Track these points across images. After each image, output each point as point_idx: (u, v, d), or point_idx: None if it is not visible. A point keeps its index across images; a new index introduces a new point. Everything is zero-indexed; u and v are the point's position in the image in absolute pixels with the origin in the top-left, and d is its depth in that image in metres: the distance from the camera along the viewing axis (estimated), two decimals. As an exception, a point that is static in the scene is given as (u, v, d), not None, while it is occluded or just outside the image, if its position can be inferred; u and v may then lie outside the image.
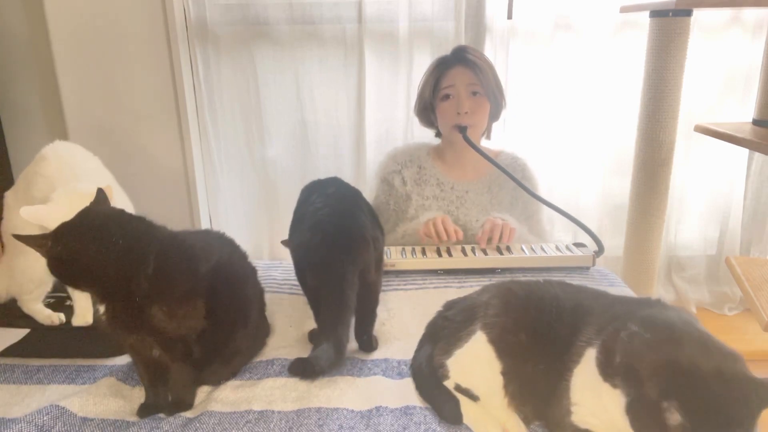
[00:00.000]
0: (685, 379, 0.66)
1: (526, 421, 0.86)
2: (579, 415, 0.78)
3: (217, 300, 0.93)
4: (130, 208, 1.34)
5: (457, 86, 1.59)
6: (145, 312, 0.85)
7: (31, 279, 1.20)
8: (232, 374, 1.01)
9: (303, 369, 0.91)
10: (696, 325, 0.78)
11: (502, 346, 0.87)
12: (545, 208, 1.64)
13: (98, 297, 0.86)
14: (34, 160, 1.22)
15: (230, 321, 0.97)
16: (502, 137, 2.11)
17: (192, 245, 0.93)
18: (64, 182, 1.15)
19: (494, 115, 1.69)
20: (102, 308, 0.86)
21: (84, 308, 1.20)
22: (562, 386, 0.81)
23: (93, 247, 0.82)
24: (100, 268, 0.82)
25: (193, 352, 0.92)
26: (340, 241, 1.00)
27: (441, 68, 1.62)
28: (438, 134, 1.75)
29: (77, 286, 0.87)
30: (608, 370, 0.73)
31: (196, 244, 0.94)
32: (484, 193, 1.68)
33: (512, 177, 1.57)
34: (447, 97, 1.61)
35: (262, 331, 1.12)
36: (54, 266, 0.83)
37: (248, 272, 1.07)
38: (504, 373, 0.86)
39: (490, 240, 1.50)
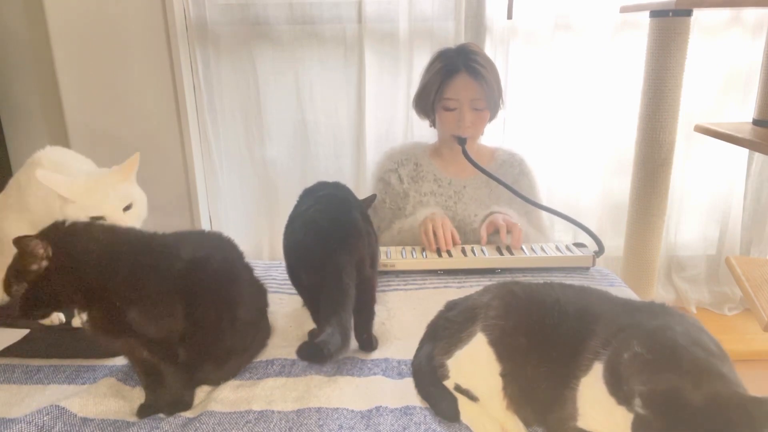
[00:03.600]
0: (673, 408, 0.65)
1: (526, 423, 0.86)
2: (585, 423, 0.78)
3: (196, 299, 0.92)
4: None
5: (460, 100, 1.57)
6: (124, 316, 0.85)
7: None
8: (232, 375, 1.00)
9: (312, 353, 0.90)
10: (702, 338, 0.76)
11: (502, 348, 0.86)
12: (544, 203, 1.64)
13: (80, 306, 0.87)
14: (26, 166, 1.21)
15: (214, 321, 0.95)
16: (502, 137, 2.12)
17: (163, 245, 0.93)
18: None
19: (493, 117, 1.69)
20: (84, 316, 0.87)
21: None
22: (567, 392, 0.80)
23: (80, 253, 0.85)
24: (84, 275, 0.85)
25: (178, 354, 0.92)
26: (335, 235, 1.01)
27: (446, 74, 1.59)
28: (433, 124, 1.74)
29: (63, 299, 0.87)
30: (620, 394, 0.72)
31: (167, 244, 0.94)
32: (482, 188, 1.68)
33: (508, 187, 1.57)
34: (449, 108, 1.60)
35: (263, 331, 1.12)
36: (50, 277, 0.84)
37: (237, 272, 1.03)
38: (503, 376, 0.86)
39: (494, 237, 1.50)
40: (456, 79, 1.58)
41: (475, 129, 1.62)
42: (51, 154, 1.22)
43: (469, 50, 1.61)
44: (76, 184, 1.10)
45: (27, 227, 1.17)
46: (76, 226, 0.90)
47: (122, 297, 0.85)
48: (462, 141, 1.60)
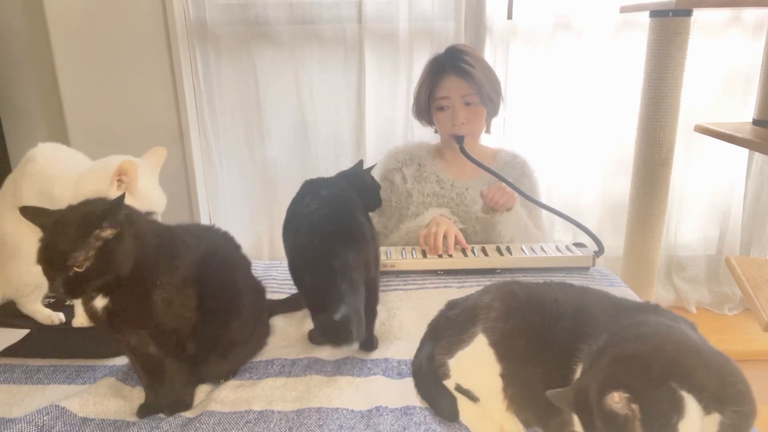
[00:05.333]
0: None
1: (527, 424, 0.86)
2: (580, 428, 0.78)
3: (206, 290, 0.93)
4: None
5: (451, 98, 1.59)
6: (149, 303, 0.85)
7: (26, 283, 1.20)
8: (232, 372, 1.01)
9: (337, 333, 0.91)
10: (679, 333, 0.76)
11: (502, 349, 0.86)
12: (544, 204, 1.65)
13: (110, 290, 0.85)
14: (21, 163, 1.21)
15: (222, 311, 0.96)
16: (502, 137, 2.12)
17: (180, 235, 0.94)
18: (54, 179, 1.14)
19: (492, 113, 1.69)
20: (102, 304, 0.85)
21: (85, 309, 1.20)
22: None
23: (142, 225, 0.86)
24: (138, 252, 0.84)
25: (186, 348, 0.92)
26: (342, 238, 1.01)
27: (435, 76, 1.62)
28: (437, 131, 1.75)
29: (115, 275, 0.83)
30: None
31: (181, 234, 0.95)
32: (484, 189, 1.68)
33: (510, 183, 1.57)
34: (442, 108, 1.62)
35: (262, 329, 1.12)
36: (117, 246, 0.81)
37: (239, 263, 1.06)
38: (503, 376, 0.86)
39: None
40: (444, 79, 1.60)
41: (471, 126, 1.62)
42: (44, 150, 1.22)
43: (456, 50, 1.62)
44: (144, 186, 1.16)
45: (25, 225, 1.17)
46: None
47: (151, 282, 0.85)
48: (460, 139, 1.60)
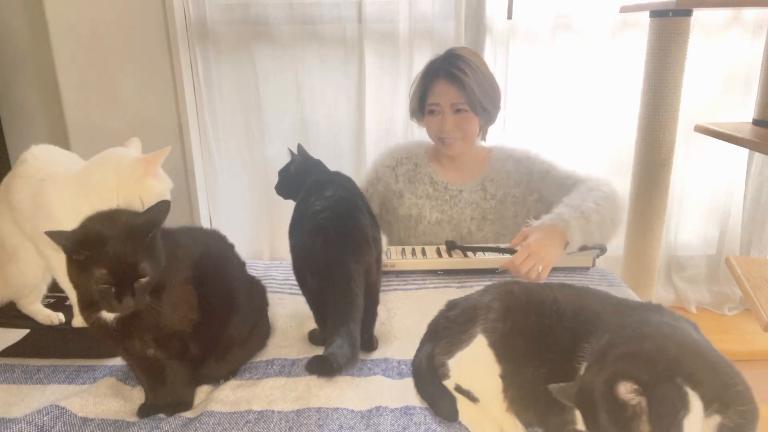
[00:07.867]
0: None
1: (528, 425, 0.86)
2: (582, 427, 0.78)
3: (205, 289, 0.93)
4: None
5: (441, 105, 1.57)
6: (158, 304, 0.85)
7: (25, 284, 1.20)
8: (231, 372, 1.01)
9: (322, 366, 0.90)
10: (681, 333, 0.76)
11: (501, 350, 0.87)
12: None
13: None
14: (15, 165, 1.22)
15: (220, 310, 0.97)
16: (502, 137, 2.12)
17: (178, 237, 0.95)
18: (43, 181, 1.14)
19: (488, 121, 1.65)
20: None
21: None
22: None
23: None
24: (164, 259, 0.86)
25: (189, 349, 0.92)
26: (344, 244, 1.01)
27: (427, 80, 1.60)
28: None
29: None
30: None
31: (180, 236, 0.96)
32: (478, 191, 1.66)
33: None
34: (432, 112, 1.60)
35: (262, 330, 1.12)
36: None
37: (233, 262, 1.07)
38: (503, 377, 0.86)
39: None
40: (436, 84, 1.58)
41: (461, 131, 1.58)
42: (37, 152, 1.22)
43: (452, 55, 1.58)
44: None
45: (16, 228, 1.17)
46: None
47: (162, 285, 0.85)
48: (449, 244, 1.52)
